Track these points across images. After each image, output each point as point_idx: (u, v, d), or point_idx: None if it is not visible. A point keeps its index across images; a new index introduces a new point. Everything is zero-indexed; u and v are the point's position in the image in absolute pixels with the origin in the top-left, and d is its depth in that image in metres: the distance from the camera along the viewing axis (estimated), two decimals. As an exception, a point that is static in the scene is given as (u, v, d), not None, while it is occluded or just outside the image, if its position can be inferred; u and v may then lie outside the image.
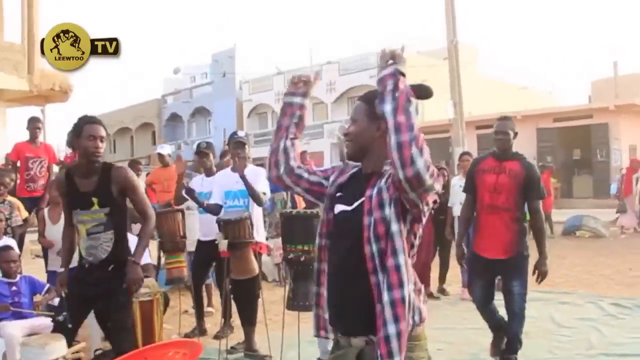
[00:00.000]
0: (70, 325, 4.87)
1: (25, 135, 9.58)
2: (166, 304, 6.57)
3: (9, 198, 8.03)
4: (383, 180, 2.78)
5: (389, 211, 2.71)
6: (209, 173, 8.00)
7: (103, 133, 4.94)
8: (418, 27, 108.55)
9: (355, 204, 2.85)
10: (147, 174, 13.20)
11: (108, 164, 5.06)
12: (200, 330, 7.73)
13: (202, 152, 8.10)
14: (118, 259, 4.98)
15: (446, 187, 9.85)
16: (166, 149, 11.58)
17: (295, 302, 5.69)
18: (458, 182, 9.68)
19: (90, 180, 4.92)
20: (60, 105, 14.39)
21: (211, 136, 42.75)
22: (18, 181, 9.00)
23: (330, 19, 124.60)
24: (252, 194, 6.86)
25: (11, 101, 13.44)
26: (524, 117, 30.76)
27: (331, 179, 3.10)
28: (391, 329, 2.62)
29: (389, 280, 2.65)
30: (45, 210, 7.92)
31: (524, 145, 29.42)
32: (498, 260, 5.93)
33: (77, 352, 4.98)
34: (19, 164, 9.30)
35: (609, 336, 7.24)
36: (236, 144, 7.12)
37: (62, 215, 7.67)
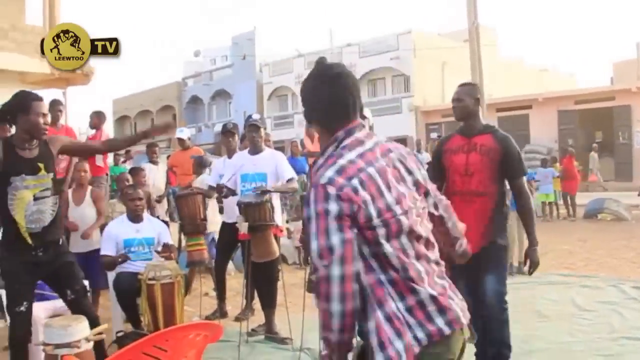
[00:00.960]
0: (25, 309, 4.97)
1: (47, 118, 9.64)
2: (187, 286, 6.60)
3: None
4: None
5: None
6: (232, 154, 8.03)
7: (47, 110, 5.15)
8: (439, 8, 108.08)
9: None
10: (168, 157, 13.26)
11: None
12: (221, 312, 7.77)
13: (229, 131, 8.19)
14: (60, 226, 5.32)
15: None
16: (185, 133, 11.62)
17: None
18: None
19: (32, 150, 5.04)
20: (81, 88, 14.42)
21: (232, 119, 42.77)
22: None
23: (351, 1, 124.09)
24: (285, 193, 6.91)
25: (33, 84, 13.48)
26: (545, 99, 30.60)
27: None
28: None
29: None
30: (69, 191, 7.97)
31: (545, 127, 29.30)
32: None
33: (99, 333, 5.01)
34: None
35: (631, 320, 7.19)
36: (250, 127, 7.13)
37: (87, 197, 7.78)
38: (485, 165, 5.00)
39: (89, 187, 8.04)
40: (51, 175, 5.12)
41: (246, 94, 45.46)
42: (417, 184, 2.71)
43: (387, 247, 2.50)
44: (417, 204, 2.67)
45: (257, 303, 7.43)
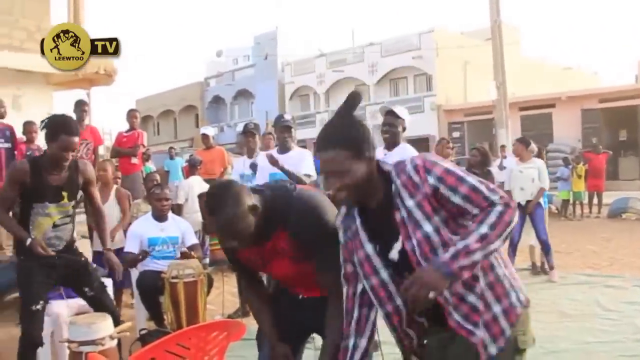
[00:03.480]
0: (40, 308, 4.98)
1: (71, 118, 9.71)
2: (210, 284, 6.63)
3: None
4: (409, 202, 2.59)
5: (429, 225, 2.58)
6: (252, 154, 8.06)
7: (77, 144, 5.04)
8: (461, 6, 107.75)
9: (397, 249, 2.69)
10: (190, 156, 13.34)
11: (73, 159, 5.13)
12: (243, 311, 7.77)
13: (250, 132, 8.20)
14: (75, 237, 5.35)
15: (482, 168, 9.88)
16: (210, 131, 11.74)
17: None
18: (516, 167, 9.69)
19: (60, 175, 5.00)
20: (104, 88, 14.51)
21: (253, 119, 42.90)
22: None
23: (373, 1, 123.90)
24: (296, 181, 6.90)
25: (57, 85, 13.58)
26: (569, 98, 30.42)
27: (348, 235, 2.86)
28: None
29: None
30: (94, 190, 8.03)
31: (569, 126, 29.11)
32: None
33: (123, 331, 5.04)
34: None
35: (656, 320, 7.13)
36: (283, 128, 7.13)
37: (111, 196, 7.83)
38: (300, 272, 3.28)
39: (114, 187, 8.09)
40: (73, 203, 5.15)
41: (268, 93, 45.56)
42: None
43: None
44: None
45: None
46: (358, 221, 2.79)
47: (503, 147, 18.13)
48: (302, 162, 6.93)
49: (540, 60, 42.72)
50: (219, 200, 3.07)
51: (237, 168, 8.29)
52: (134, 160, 10.28)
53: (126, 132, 10.52)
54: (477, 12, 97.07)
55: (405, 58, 37.26)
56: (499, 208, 2.49)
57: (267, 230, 3.16)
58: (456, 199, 2.54)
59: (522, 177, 9.54)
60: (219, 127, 47.41)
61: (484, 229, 2.44)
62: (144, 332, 6.11)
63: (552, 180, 14.67)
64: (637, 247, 12.49)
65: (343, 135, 2.64)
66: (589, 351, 6.15)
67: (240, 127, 9.25)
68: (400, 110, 6.42)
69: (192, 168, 10.25)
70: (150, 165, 14.83)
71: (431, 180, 2.54)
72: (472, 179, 2.56)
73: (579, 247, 12.54)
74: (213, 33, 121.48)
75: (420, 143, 35.86)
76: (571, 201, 18.89)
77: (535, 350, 5.31)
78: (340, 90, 41.91)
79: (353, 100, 2.73)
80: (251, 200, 3.08)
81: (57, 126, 4.91)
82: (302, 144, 26.29)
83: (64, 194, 5.03)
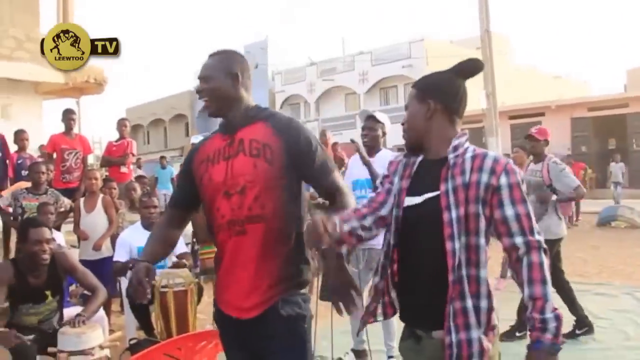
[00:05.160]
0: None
1: (60, 127, 9.69)
2: (200, 294, 6.61)
3: (51, 189, 8.12)
4: (459, 179, 2.55)
5: (476, 208, 2.53)
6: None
7: (49, 235, 5.01)
8: (451, 15, 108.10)
9: (426, 196, 2.61)
10: (181, 165, 13.33)
11: (51, 256, 5.09)
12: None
13: None
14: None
15: None
16: (200, 140, 11.72)
17: (327, 293, 5.65)
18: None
19: (40, 274, 5.00)
20: (95, 97, 14.55)
21: (244, 127, 42.85)
22: (54, 173, 9.10)
23: (363, 9, 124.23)
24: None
25: (47, 94, 13.58)
26: (558, 106, 30.51)
27: (395, 179, 2.80)
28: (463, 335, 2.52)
29: (468, 287, 2.55)
30: (81, 200, 8.02)
31: (559, 135, 29.19)
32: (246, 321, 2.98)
33: (113, 340, 5.03)
34: (54, 155, 9.41)
35: (646, 328, 7.13)
36: None
37: (98, 205, 7.81)
38: (262, 173, 2.98)
39: (101, 195, 8.08)
40: (57, 298, 5.15)
41: (258, 102, 44.25)
42: None
43: None
44: None
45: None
46: (415, 164, 2.79)
47: (493, 155, 18.12)
48: None
49: (530, 69, 42.86)
50: (215, 52, 3.29)
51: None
52: (124, 169, 10.25)
53: (116, 141, 10.47)
54: (467, 21, 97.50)
55: (395, 67, 37.31)
56: (543, 258, 2.53)
57: (244, 118, 3.25)
58: (507, 212, 2.51)
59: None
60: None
61: (545, 288, 2.52)
62: (133, 341, 6.10)
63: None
64: (626, 255, 12.51)
65: (423, 78, 2.87)
66: (580, 359, 6.16)
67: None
68: (380, 115, 6.28)
69: None
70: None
71: (502, 180, 2.52)
72: (530, 207, 2.55)
73: (568, 255, 12.49)
74: (203, 42, 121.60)
75: (411, 152, 35.90)
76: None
77: None
78: (330, 99, 41.99)
79: (465, 64, 2.81)
80: (238, 69, 3.28)
81: (22, 226, 5.07)
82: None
83: (47, 293, 5.05)
